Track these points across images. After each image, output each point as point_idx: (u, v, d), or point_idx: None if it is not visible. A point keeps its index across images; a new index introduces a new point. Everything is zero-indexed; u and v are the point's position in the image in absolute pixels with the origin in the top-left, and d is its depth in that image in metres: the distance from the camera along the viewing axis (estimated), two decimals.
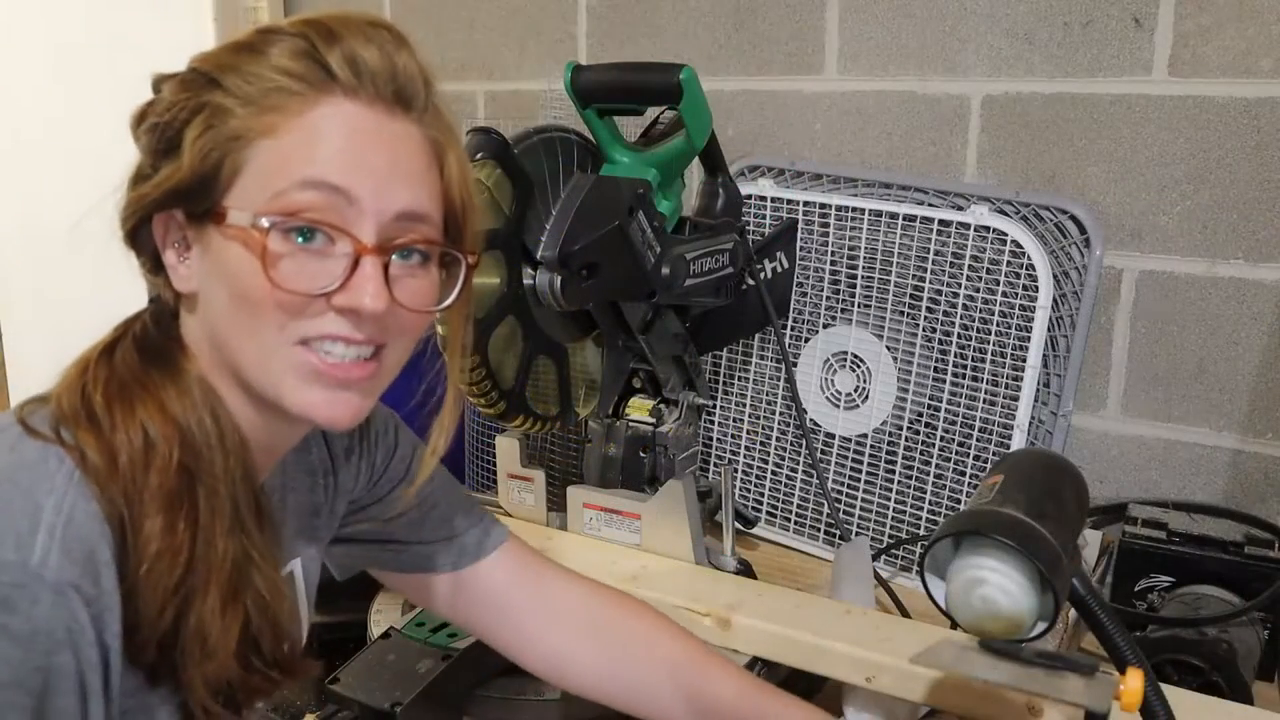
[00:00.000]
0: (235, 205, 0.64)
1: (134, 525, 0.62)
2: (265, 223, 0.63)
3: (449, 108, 0.71)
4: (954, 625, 0.79)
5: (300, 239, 0.64)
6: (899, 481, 1.41)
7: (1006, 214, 1.35)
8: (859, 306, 1.43)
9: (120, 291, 0.74)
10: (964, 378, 1.36)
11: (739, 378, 1.55)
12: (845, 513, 1.44)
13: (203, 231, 0.66)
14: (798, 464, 1.50)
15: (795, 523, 1.50)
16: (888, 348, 1.41)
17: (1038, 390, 1.32)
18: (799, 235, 1.45)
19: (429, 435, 0.78)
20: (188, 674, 0.64)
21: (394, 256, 0.67)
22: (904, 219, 1.39)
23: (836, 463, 1.46)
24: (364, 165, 0.65)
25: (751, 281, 1.34)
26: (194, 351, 0.69)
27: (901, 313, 1.40)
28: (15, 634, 0.56)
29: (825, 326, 1.46)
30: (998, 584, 0.72)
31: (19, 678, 0.57)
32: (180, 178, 0.65)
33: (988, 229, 1.33)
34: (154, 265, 0.70)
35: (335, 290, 0.64)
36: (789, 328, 1.48)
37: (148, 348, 0.69)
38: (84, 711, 0.60)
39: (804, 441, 1.46)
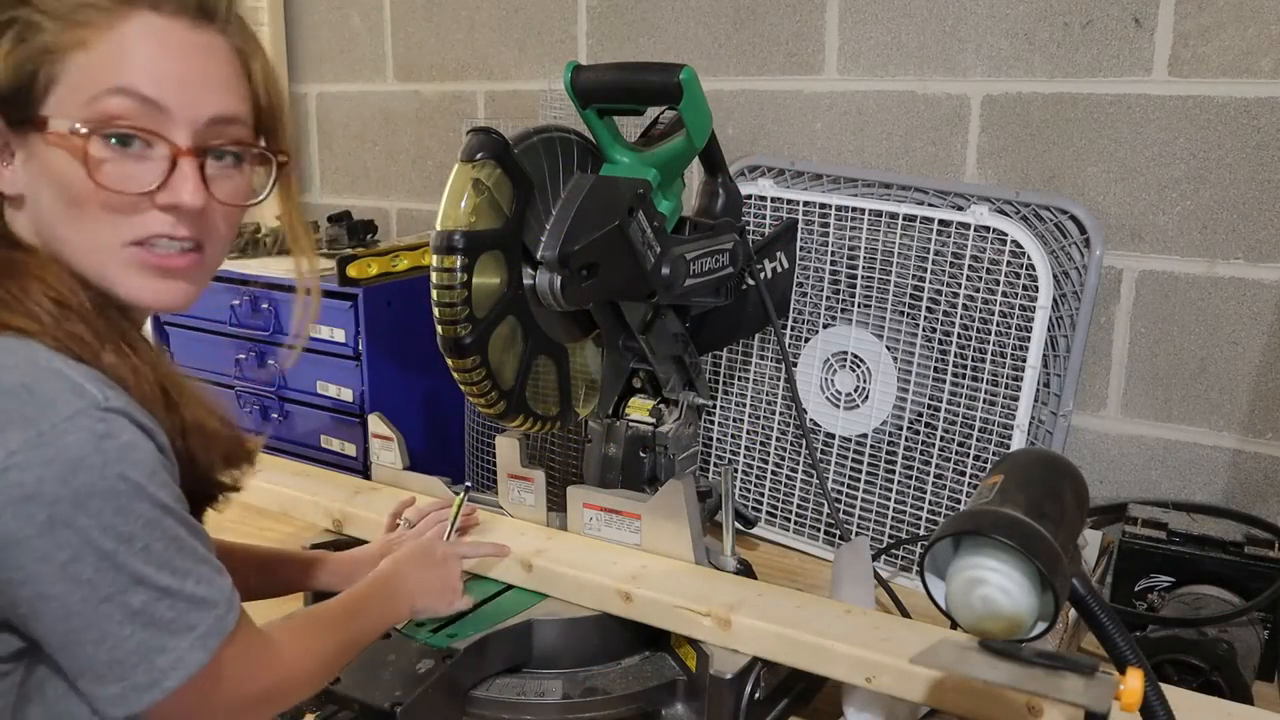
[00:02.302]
0: (54, 114, 0.69)
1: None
2: (84, 129, 0.69)
3: (248, 20, 0.79)
4: (954, 625, 0.79)
5: (118, 144, 0.70)
6: (899, 481, 1.41)
7: (1006, 214, 1.35)
8: (859, 306, 1.43)
9: None
10: (964, 378, 1.36)
11: (739, 378, 1.55)
12: (845, 513, 1.44)
13: (25, 138, 0.71)
14: (798, 464, 1.50)
15: (795, 523, 1.50)
16: (888, 348, 1.41)
17: (1038, 390, 1.32)
18: (799, 235, 1.45)
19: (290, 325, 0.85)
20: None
21: (209, 157, 0.73)
22: (904, 219, 1.39)
23: (836, 463, 1.46)
24: (172, 77, 0.71)
25: (751, 281, 1.34)
26: (30, 244, 0.73)
27: (901, 313, 1.40)
28: (131, 442, 0.65)
29: (825, 326, 1.46)
30: (998, 584, 0.72)
31: (159, 468, 0.66)
32: None
33: (988, 229, 1.33)
34: None
35: (156, 189, 0.71)
36: (789, 328, 1.48)
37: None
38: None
39: (804, 441, 1.46)
